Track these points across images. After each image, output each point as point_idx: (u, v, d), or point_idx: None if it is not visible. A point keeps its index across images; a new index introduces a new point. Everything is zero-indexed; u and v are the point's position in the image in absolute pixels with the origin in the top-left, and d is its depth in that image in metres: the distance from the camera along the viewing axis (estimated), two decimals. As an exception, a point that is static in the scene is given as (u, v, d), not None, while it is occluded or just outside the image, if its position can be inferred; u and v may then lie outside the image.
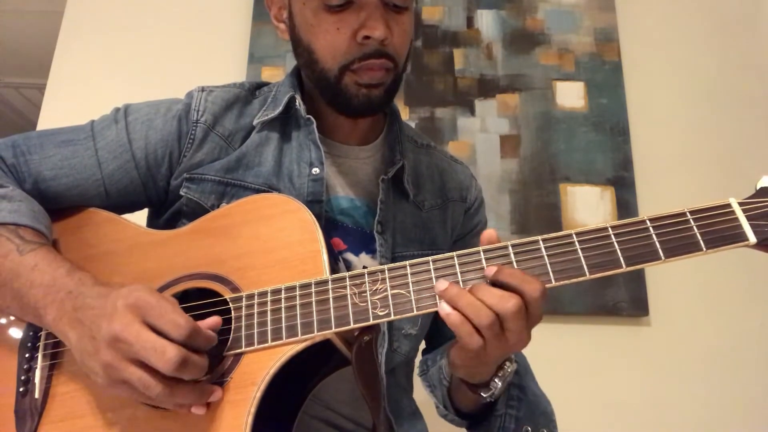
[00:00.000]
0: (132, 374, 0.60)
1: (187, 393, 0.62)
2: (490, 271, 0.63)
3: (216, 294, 0.72)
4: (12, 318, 0.78)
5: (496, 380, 0.73)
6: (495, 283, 0.62)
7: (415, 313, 0.65)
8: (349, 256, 0.87)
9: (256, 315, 0.69)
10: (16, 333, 0.77)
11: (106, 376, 0.62)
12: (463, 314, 0.61)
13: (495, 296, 0.61)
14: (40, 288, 0.68)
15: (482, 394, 0.74)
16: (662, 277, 1.69)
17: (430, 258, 0.67)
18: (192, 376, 0.62)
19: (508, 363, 0.73)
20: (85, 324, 0.64)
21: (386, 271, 0.67)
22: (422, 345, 1.02)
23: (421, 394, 0.98)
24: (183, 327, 0.61)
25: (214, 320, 0.66)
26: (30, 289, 0.69)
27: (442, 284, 0.64)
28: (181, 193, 0.85)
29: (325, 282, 0.68)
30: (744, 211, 0.61)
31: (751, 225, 0.60)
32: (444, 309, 0.62)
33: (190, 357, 0.61)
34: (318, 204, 0.84)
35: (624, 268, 0.62)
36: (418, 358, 1.02)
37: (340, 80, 0.81)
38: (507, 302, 0.60)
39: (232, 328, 0.69)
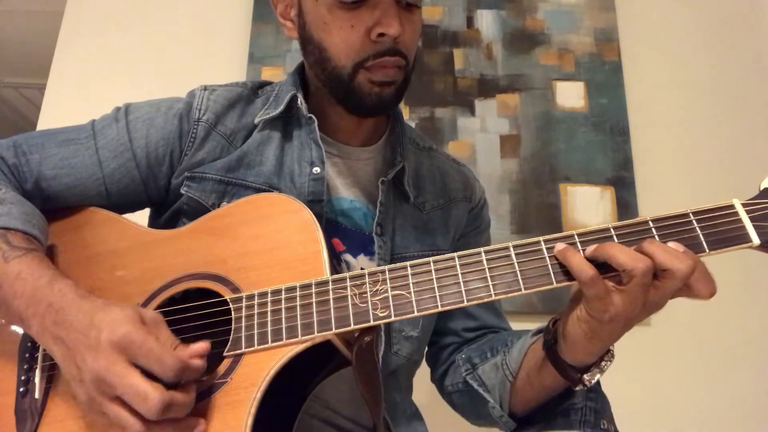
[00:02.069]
0: (111, 411, 0.60)
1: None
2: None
3: (216, 294, 0.72)
4: (5, 322, 0.78)
5: (594, 370, 0.70)
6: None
7: (416, 314, 0.65)
8: (348, 257, 0.87)
9: (256, 315, 0.68)
10: (17, 333, 0.76)
11: (88, 405, 0.62)
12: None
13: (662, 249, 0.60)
14: (22, 299, 0.67)
15: (585, 377, 0.70)
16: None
17: (430, 259, 0.67)
18: (177, 416, 0.61)
19: (606, 359, 0.70)
20: (68, 347, 0.63)
21: (387, 272, 0.67)
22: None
23: (422, 397, 0.98)
24: (170, 367, 0.60)
25: (203, 346, 0.63)
26: (13, 300, 0.67)
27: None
28: (182, 191, 0.85)
29: (326, 282, 0.68)
30: (747, 212, 0.61)
31: (754, 226, 0.60)
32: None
33: (174, 399, 0.59)
34: (318, 204, 0.84)
35: (626, 269, 0.61)
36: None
37: (353, 78, 0.81)
38: (681, 260, 0.59)
39: (232, 328, 0.69)
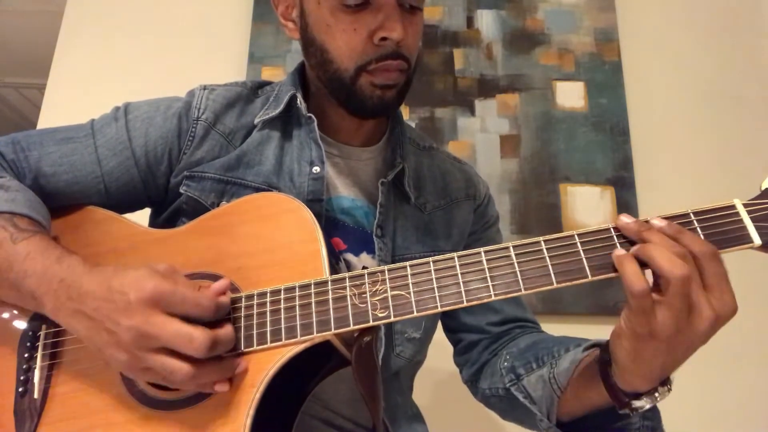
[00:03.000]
0: (157, 361, 0.61)
1: (211, 372, 0.63)
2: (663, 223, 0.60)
3: (215, 294, 0.72)
4: (11, 316, 0.77)
5: (646, 399, 0.63)
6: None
7: (415, 314, 0.64)
8: (349, 256, 0.87)
9: (255, 316, 0.68)
10: (16, 332, 0.76)
11: (130, 365, 0.63)
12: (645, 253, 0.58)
13: (696, 242, 0.58)
14: (33, 277, 0.68)
15: (634, 403, 0.63)
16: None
17: (430, 259, 0.66)
18: (223, 350, 0.64)
19: (661, 390, 0.63)
20: (91, 317, 0.64)
21: (386, 272, 0.67)
22: (432, 348, 1.00)
23: (423, 399, 0.97)
24: (207, 307, 0.63)
25: (222, 283, 0.67)
26: (24, 279, 0.68)
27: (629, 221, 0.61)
28: (181, 191, 0.85)
29: (325, 283, 0.68)
30: (749, 212, 0.60)
31: (756, 227, 0.59)
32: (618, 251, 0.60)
33: (218, 335, 0.63)
34: (318, 203, 0.84)
35: (626, 270, 0.61)
36: (439, 362, 1.00)
37: (355, 81, 0.80)
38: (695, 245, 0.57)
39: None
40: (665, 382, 0.63)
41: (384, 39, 0.78)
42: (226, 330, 0.64)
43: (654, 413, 0.72)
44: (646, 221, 0.62)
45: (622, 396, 0.64)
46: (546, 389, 0.78)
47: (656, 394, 0.63)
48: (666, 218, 0.62)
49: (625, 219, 0.62)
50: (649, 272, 0.59)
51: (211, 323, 0.64)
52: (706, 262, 0.57)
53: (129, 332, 0.61)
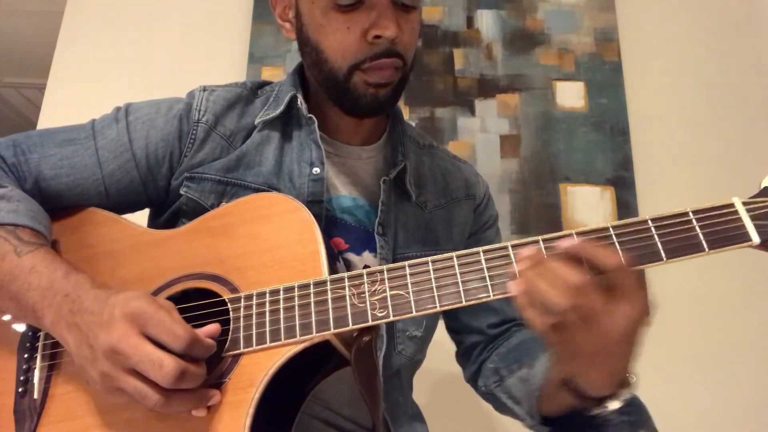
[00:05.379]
0: (128, 384, 0.60)
1: (185, 400, 0.62)
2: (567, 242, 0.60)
3: (215, 294, 0.72)
4: (11, 318, 0.77)
5: (611, 401, 0.64)
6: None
7: (414, 314, 0.64)
8: (351, 256, 0.86)
9: (254, 316, 0.68)
10: (16, 333, 0.76)
11: (103, 384, 0.62)
12: (528, 298, 0.58)
13: (561, 270, 0.57)
14: (37, 291, 0.68)
15: (602, 406, 0.65)
16: (662, 277, 1.69)
17: (429, 258, 0.66)
18: (190, 386, 0.62)
19: (620, 391, 0.64)
20: (82, 330, 0.64)
21: (385, 272, 0.67)
22: (434, 349, 1.01)
23: (423, 398, 0.97)
24: (182, 338, 0.61)
25: (213, 328, 0.65)
26: (27, 292, 0.68)
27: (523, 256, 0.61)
28: (181, 192, 0.85)
29: (324, 282, 0.68)
30: (748, 210, 0.60)
31: (755, 225, 0.59)
32: (510, 288, 0.61)
33: (188, 368, 0.60)
34: (318, 204, 0.84)
35: (625, 269, 0.61)
36: (439, 362, 1.00)
37: (349, 80, 0.80)
38: (572, 276, 0.56)
39: (231, 328, 0.69)
40: (624, 382, 0.64)
41: (377, 37, 0.78)
42: (198, 367, 0.62)
43: (634, 408, 0.72)
44: (557, 240, 0.62)
45: (588, 402, 0.66)
46: (527, 388, 0.80)
47: (619, 395, 0.64)
48: (663, 218, 0.62)
49: (525, 252, 0.62)
50: None
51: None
52: (612, 275, 0.57)
53: (103, 347, 0.61)
